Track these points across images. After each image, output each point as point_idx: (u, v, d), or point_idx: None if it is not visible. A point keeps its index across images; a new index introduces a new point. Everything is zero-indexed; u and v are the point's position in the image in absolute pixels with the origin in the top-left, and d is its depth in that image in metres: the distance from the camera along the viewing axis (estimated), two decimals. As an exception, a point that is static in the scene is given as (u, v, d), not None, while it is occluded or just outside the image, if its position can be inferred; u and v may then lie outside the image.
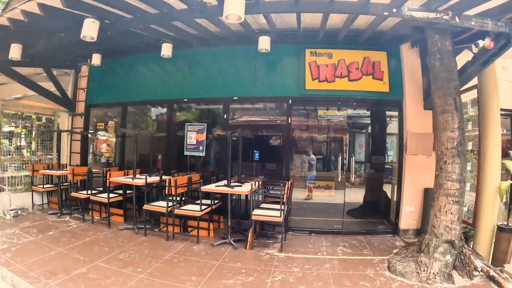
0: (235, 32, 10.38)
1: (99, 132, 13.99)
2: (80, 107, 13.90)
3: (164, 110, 13.64)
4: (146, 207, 9.77)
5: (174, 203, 9.57)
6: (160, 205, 9.67)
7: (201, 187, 9.51)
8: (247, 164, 12.12)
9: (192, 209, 9.39)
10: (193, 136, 11.98)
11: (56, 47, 10.61)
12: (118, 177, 10.89)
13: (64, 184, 12.68)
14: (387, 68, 10.49)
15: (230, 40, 10.87)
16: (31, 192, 12.65)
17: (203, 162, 12.72)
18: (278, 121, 12.83)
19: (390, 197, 11.71)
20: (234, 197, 10.58)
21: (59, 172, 11.82)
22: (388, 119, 12.34)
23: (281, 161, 11.71)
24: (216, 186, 9.32)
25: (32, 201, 12.72)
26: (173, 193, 9.24)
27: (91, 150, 14.26)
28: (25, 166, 13.36)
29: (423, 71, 10.17)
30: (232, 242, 9.00)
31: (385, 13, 7.15)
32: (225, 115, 11.69)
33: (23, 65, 12.34)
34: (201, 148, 11.89)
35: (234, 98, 11.70)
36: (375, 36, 9.78)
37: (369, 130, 13.55)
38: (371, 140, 12.80)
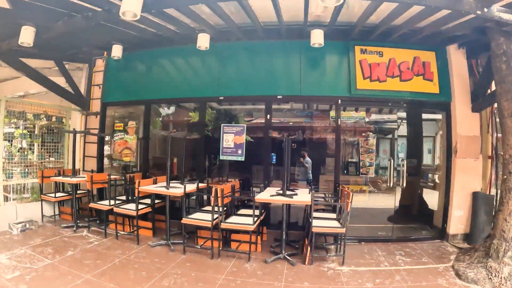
0: (286, 24, 8.85)
1: (117, 134, 11.62)
2: (95, 106, 11.56)
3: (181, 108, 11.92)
4: (185, 220, 7.95)
5: (218, 216, 7.82)
6: (202, 218, 7.95)
7: (255, 197, 7.78)
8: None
9: (241, 222, 7.78)
10: (230, 139, 9.92)
11: (76, 32, 8.73)
12: (148, 186, 8.89)
13: (78, 192, 10.37)
14: (436, 69, 9.29)
15: (276, 33, 9.34)
16: (40, 202, 10.32)
17: (237, 166, 11.14)
18: (323, 123, 11.58)
19: (426, 201, 10.71)
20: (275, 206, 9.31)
21: (75, 180, 9.56)
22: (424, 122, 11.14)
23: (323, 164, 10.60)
24: (271, 195, 7.93)
25: (42, 212, 10.29)
26: (220, 204, 7.61)
27: (107, 153, 12.08)
28: (34, 172, 10.87)
29: (470, 73, 9.34)
30: (288, 257, 7.56)
31: (478, 12, 6.39)
32: (268, 115, 9.94)
33: (32, 57, 10.18)
34: (239, 151, 9.86)
35: (279, 96, 9.89)
36: (425, 36, 8.73)
37: (397, 133, 11.95)
38: (407, 143, 11.03)
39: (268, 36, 9.44)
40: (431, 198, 10.33)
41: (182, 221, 7.82)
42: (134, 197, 8.82)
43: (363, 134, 11.21)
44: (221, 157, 9.91)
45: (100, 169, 11.27)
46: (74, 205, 9.72)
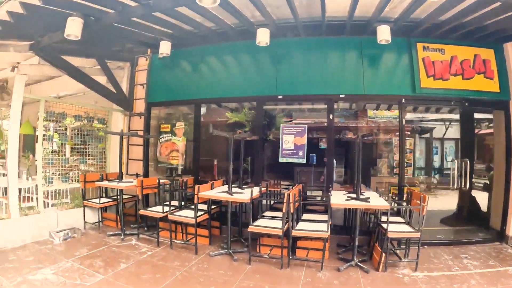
0: (353, 19, 7.79)
1: (164, 135, 10.31)
2: (138, 106, 10.24)
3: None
4: (252, 228, 6.87)
5: (285, 222, 6.72)
6: (270, 226, 6.87)
7: (331, 202, 6.80)
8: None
9: (313, 228, 6.75)
10: (291, 140, 8.72)
11: (127, 23, 7.82)
12: (207, 192, 7.69)
13: (124, 198, 9.08)
14: (496, 67, 8.37)
15: (339, 29, 8.32)
16: (82, 208, 9.04)
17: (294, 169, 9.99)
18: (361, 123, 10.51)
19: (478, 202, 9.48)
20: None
21: (124, 185, 8.43)
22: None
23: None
24: (346, 200, 6.89)
25: (84, 219, 9.02)
26: (292, 210, 6.56)
27: (152, 156, 10.75)
28: (75, 176, 9.74)
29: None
30: (360, 264, 6.60)
31: None
32: (331, 115, 8.73)
33: (73, 54, 9.01)
34: (300, 153, 8.67)
35: (341, 95, 8.70)
36: (485, 33, 7.92)
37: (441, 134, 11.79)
38: (460, 144, 9.76)
39: (330, 32, 8.39)
40: (482, 200, 9.46)
41: (249, 229, 6.75)
42: (187, 203, 8.23)
43: (397, 133, 9.78)
44: (281, 159, 8.78)
45: (146, 173, 10.04)
46: (121, 212, 8.48)
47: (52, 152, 9.27)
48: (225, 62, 9.45)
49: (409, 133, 10.12)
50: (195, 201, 7.30)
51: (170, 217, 7.63)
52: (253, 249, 7.37)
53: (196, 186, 7.37)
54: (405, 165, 9.14)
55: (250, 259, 6.76)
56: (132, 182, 8.44)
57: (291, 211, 6.52)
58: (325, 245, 6.66)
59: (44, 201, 8.92)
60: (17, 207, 7.85)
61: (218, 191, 7.45)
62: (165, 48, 8.68)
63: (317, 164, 10.01)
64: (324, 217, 7.01)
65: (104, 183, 8.72)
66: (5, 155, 16.12)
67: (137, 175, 9.64)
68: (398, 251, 7.29)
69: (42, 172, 8.62)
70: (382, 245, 6.59)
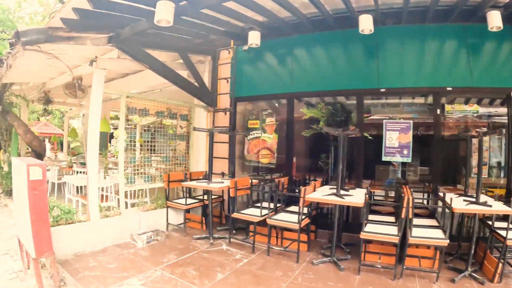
0: (462, 4, 6.52)
1: (253, 132, 9.09)
2: (222, 102, 9.11)
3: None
4: (365, 235, 5.72)
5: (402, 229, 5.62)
6: (382, 232, 5.73)
7: (454, 207, 5.51)
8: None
9: (427, 235, 5.58)
10: (394, 137, 7.41)
11: (219, 11, 6.76)
12: (312, 194, 6.52)
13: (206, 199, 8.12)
14: None
15: (445, 15, 6.97)
16: (165, 209, 8.06)
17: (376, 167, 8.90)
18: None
19: None
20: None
21: (218, 187, 7.21)
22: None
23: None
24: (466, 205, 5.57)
25: (167, 221, 8.06)
26: (410, 215, 5.47)
27: (238, 154, 9.47)
28: (158, 175, 8.70)
29: None
30: (474, 275, 5.47)
31: None
32: (438, 110, 7.34)
33: (154, 47, 7.91)
34: (405, 152, 7.34)
35: (448, 88, 7.22)
36: None
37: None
38: None
39: (433, 19, 7.08)
40: None
41: (361, 236, 5.70)
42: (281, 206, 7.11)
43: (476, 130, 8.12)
44: (384, 158, 7.54)
45: (233, 172, 8.92)
46: (211, 214, 7.46)
47: (133, 150, 8.47)
48: (319, 53, 8.20)
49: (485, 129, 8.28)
50: (300, 204, 6.21)
51: (269, 221, 6.57)
52: (357, 256, 6.20)
53: (302, 188, 6.29)
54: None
55: (359, 269, 5.74)
56: (223, 182, 7.47)
57: (410, 216, 5.48)
58: (441, 254, 5.78)
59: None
60: (97, 208, 6.98)
61: (324, 194, 6.35)
62: (254, 38, 7.61)
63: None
64: (431, 222, 6.26)
65: (192, 184, 7.75)
66: (75, 152, 15.42)
67: (222, 174, 8.65)
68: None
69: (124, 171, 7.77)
70: (493, 252, 5.76)
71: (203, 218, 8.15)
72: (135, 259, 6.23)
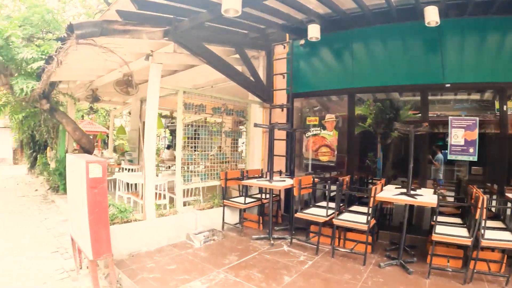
0: None
1: (312, 129, 8.48)
2: (279, 98, 8.62)
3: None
4: (437, 237, 5.17)
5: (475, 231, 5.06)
6: (454, 234, 5.19)
7: None
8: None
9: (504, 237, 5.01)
10: (460, 134, 6.83)
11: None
12: (382, 193, 6.00)
13: (267, 197, 7.69)
14: None
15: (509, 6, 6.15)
16: (222, 208, 7.58)
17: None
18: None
19: None
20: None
21: (281, 185, 6.82)
22: None
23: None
24: None
25: (223, 220, 7.58)
26: (484, 217, 4.85)
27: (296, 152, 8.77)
28: (214, 173, 8.16)
29: None
30: None
31: None
32: (504, 106, 6.62)
33: (211, 41, 7.38)
34: (471, 150, 6.78)
35: None
36: None
37: None
38: None
39: (499, 10, 6.34)
40: None
41: (433, 238, 5.23)
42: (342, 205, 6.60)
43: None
44: (449, 157, 6.98)
45: (292, 170, 8.34)
46: (270, 213, 6.94)
47: (190, 148, 7.95)
48: (380, 47, 7.57)
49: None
50: (370, 205, 5.71)
51: (336, 222, 6.05)
52: (422, 259, 5.89)
53: (373, 187, 5.79)
54: None
55: (429, 272, 5.23)
56: (284, 181, 7.02)
57: (483, 217, 4.93)
58: (506, 257, 5.35)
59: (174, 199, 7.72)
60: (153, 207, 6.60)
61: (394, 194, 5.86)
62: (314, 31, 7.14)
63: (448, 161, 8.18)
64: (497, 224, 5.74)
65: (254, 182, 7.24)
66: (124, 149, 15.19)
67: (280, 172, 8.19)
68: None
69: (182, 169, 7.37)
70: None
71: (260, 217, 7.70)
72: (195, 260, 5.82)
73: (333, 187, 6.64)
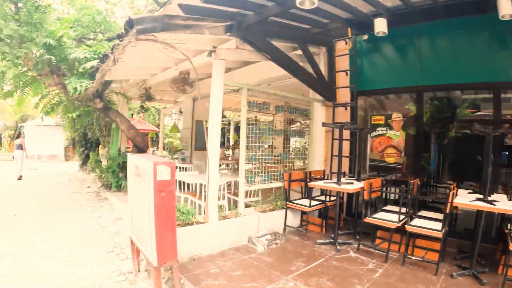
0: None
1: (378, 129, 7.83)
2: (341, 96, 7.91)
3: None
4: None
5: None
6: None
7: None
8: None
9: None
10: None
11: None
12: (460, 199, 5.26)
13: (331, 200, 7.20)
14: None
15: None
16: (283, 211, 7.14)
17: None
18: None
19: None
20: None
21: (352, 188, 6.22)
22: None
23: None
24: None
25: (285, 223, 7.12)
26: None
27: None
28: (276, 174, 7.62)
29: None
30: None
31: None
32: None
33: (275, 37, 6.94)
34: None
35: None
36: None
37: None
38: None
39: None
40: None
41: (511, 248, 4.67)
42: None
43: None
44: None
45: (358, 172, 7.76)
46: (337, 217, 6.40)
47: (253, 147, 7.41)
48: (449, 42, 6.84)
49: None
50: (447, 210, 5.19)
51: (409, 228, 5.51)
52: (493, 269, 5.29)
53: (450, 192, 5.24)
54: None
55: (503, 284, 4.67)
56: (353, 183, 6.50)
57: None
58: None
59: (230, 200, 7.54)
60: (215, 210, 6.23)
61: (471, 200, 5.21)
62: (381, 25, 6.62)
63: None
64: None
65: (321, 184, 6.70)
66: (177, 148, 14.97)
67: (344, 174, 7.54)
68: None
69: (245, 169, 6.97)
70: None
71: (323, 220, 7.19)
72: (260, 266, 5.41)
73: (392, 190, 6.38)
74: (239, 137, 7.75)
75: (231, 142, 20.69)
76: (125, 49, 5.59)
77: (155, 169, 3.99)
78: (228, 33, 6.11)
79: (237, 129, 20.14)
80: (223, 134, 26.18)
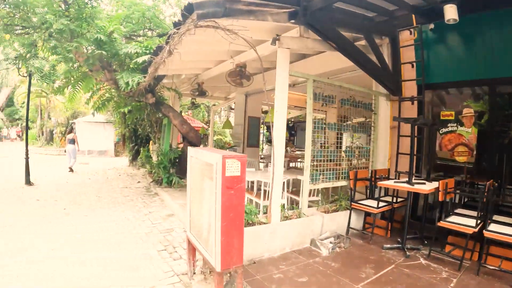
0: None
1: (448, 125, 6.96)
2: (407, 89, 7.10)
3: None
4: None
5: None
6: None
7: None
8: None
9: None
10: None
11: None
12: None
13: (398, 201, 6.58)
14: None
15: None
16: (347, 212, 6.54)
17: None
18: None
19: None
20: None
21: (428, 189, 5.58)
22: None
23: None
24: None
25: (348, 225, 6.50)
26: None
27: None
28: (341, 172, 6.96)
29: None
30: None
31: None
32: None
33: (341, 26, 6.20)
34: None
35: None
36: None
37: None
38: None
39: None
40: None
41: None
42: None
43: None
44: None
45: (428, 171, 6.93)
46: (407, 220, 5.81)
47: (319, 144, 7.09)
48: None
49: None
50: None
51: (488, 234, 4.84)
52: None
53: None
54: None
55: None
56: (425, 183, 5.84)
57: None
58: None
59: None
60: (279, 209, 5.73)
61: None
62: (452, 13, 5.94)
63: None
64: None
65: (389, 183, 6.12)
66: (231, 144, 14.68)
67: (406, 173, 6.66)
68: None
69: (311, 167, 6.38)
70: None
71: (389, 223, 6.61)
72: (327, 272, 4.92)
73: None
74: (290, 134, 7.14)
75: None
76: (182, 38, 5.28)
77: (224, 163, 3.55)
78: (292, 20, 5.58)
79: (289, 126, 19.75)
80: (270, 131, 25.81)
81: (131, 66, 8.43)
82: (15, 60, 8.99)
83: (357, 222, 6.77)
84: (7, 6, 7.66)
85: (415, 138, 6.50)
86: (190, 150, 4.56)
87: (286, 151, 14.85)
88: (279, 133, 5.77)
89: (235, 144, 13.97)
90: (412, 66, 7.05)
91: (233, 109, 19.30)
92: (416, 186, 5.67)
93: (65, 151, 16.60)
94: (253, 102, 13.59)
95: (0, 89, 39.06)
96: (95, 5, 8.25)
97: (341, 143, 7.40)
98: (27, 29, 8.22)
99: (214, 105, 17.86)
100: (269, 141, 19.57)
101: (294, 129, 26.65)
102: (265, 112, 18.32)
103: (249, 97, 13.45)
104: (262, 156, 14.88)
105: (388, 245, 5.94)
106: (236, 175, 3.63)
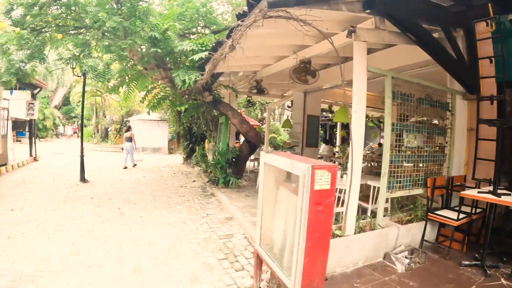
0: None
1: None
2: (485, 87, 6.17)
3: None
4: None
5: None
6: None
7: None
8: None
9: None
10: None
11: None
12: None
13: (477, 212, 5.83)
14: None
15: None
16: (422, 223, 5.89)
17: None
18: None
19: None
20: None
21: None
22: None
23: None
24: None
25: (423, 237, 5.87)
26: None
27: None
28: (418, 179, 6.25)
29: None
30: None
31: None
32: None
33: (416, 16, 5.50)
34: None
35: None
36: None
37: None
38: None
39: None
40: None
41: None
42: None
43: None
44: None
45: (510, 179, 6.07)
46: (488, 235, 5.09)
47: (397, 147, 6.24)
48: None
49: None
50: None
51: None
52: None
53: None
54: None
55: None
56: (510, 195, 5.09)
57: None
58: None
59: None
60: (354, 220, 5.25)
61: None
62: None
63: None
64: None
65: (471, 193, 5.31)
66: (291, 144, 14.29)
67: (490, 181, 5.91)
68: None
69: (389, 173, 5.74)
70: None
71: (466, 237, 5.87)
72: None
73: None
74: (347, 134, 6.52)
75: (338, 139, 19.69)
76: (247, 30, 4.83)
77: (313, 175, 2.99)
78: (367, 10, 5.02)
79: (345, 125, 19.02)
80: (325, 130, 25.05)
81: (186, 63, 8.30)
82: (69, 60, 9.02)
83: (430, 234, 6.10)
84: (58, 7, 7.64)
85: (493, 143, 5.79)
86: (263, 155, 4.01)
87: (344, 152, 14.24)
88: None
89: (294, 144, 13.48)
90: (491, 61, 6.20)
91: (289, 107, 18.91)
92: (503, 197, 4.93)
93: (122, 149, 16.77)
94: (312, 100, 13.03)
95: (56, 89, 41.14)
96: (149, 2, 8.20)
97: (418, 146, 6.74)
98: (80, 30, 8.19)
99: (267, 102, 17.44)
100: (325, 140, 18.93)
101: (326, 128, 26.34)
102: (331, 112, 17.45)
103: (308, 94, 12.86)
104: (319, 156, 14.31)
105: (467, 262, 5.30)
106: (325, 189, 3.05)
